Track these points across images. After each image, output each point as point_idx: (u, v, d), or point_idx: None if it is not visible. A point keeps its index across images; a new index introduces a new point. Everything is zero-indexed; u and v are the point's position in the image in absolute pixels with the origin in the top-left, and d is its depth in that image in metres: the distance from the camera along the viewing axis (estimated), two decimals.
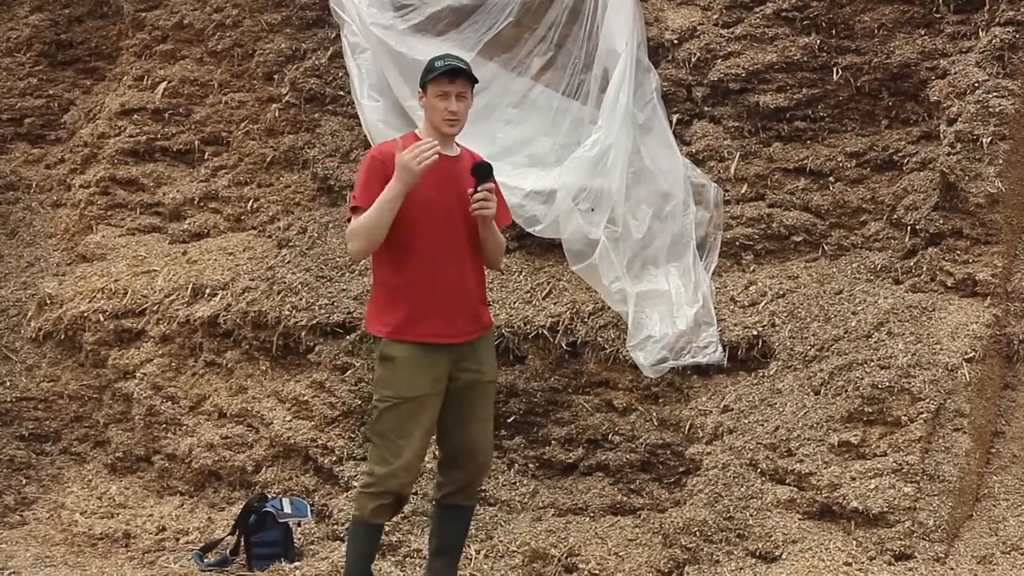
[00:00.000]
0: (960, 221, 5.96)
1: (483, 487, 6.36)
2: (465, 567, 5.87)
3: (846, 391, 5.68)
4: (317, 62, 7.51)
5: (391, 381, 5.11)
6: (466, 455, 5.29)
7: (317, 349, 6.84)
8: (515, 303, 6.63)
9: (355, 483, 6.17)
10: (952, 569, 5.17)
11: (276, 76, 7.66)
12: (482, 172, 5.14)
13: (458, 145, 5.31)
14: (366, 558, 5.26)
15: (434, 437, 5.38)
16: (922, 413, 5.49)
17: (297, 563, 6.18)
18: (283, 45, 7.63)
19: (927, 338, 5.73)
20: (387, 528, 6.11)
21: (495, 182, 5.25)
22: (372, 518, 5.18)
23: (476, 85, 5.31)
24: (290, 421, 6.84)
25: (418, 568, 5.93)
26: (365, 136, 7.11)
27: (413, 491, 6.15)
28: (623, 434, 6.33)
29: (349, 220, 5.17)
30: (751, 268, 6.50)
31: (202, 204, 7.89)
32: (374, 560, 5.42)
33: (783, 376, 5.99)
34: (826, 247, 6.43)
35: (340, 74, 7.38)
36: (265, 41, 7.69)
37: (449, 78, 5.14)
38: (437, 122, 5.18)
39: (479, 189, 5.10)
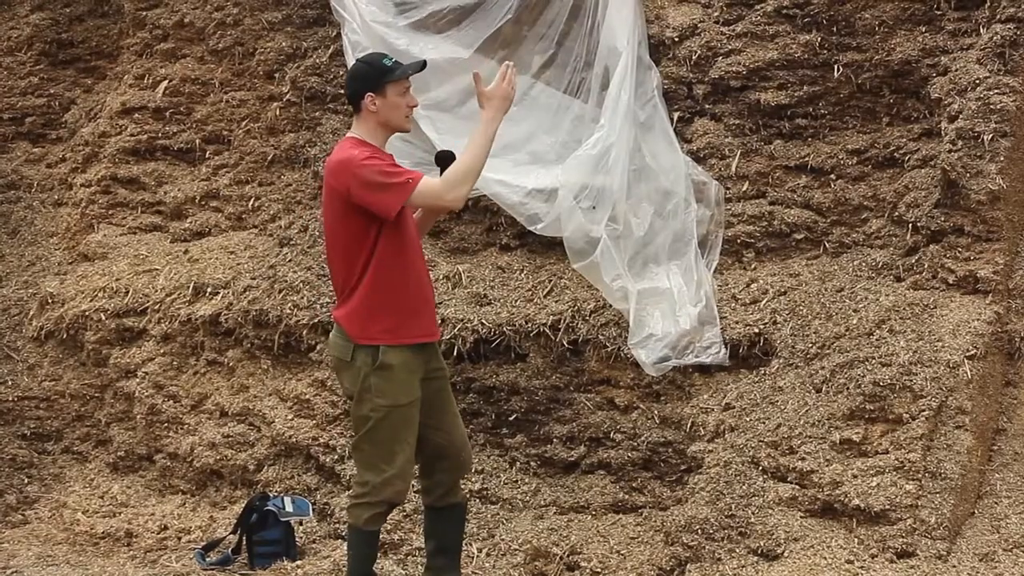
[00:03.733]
0: (961, 218, 5.96)
1: (485, 485, 6.38)
2: (467, 565, 5.88)
3: (848, 389, 5.68)
4: (318, 60, 7.51)
5: (387, 389, 5.05)
6: (446, 455, 5.27)
7: (319, 348, 6.84)
8: (516, 301, 6.63)
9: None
10: (954, 567, 5.18)
11: (277, 75, 7.66)
12: (446, 162, 5.13)
13: None
14: (368, 560, 5.26)
15: None
16: (924, 410, 5.49)
17: (299, 562, 6.19)
18: (284, 44, 7.62)
19: (929, 335, 5.73)
20: (388, 527, 6.12)
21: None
22: (367, 526, 5.17)
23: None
24: (292, 420, 6.84)
25: (420, 566, 5.93)
26: None
27: (413, 488, 6.16)
28: (625, 432, 6.33)
29: (406, 185, 4.92)
30: (752, 266, 6.50)
31: (203, 203, 7.89)
32: (376, 560, 5.42)
33: (785, 374, 5.99)
34: (827, 244, 6.43)
35: (341, 72, 7.37)
36: (266, 40, 7.69)
37: (407, 75, 5.16)
38: (399, 121, 5.14)
39: None
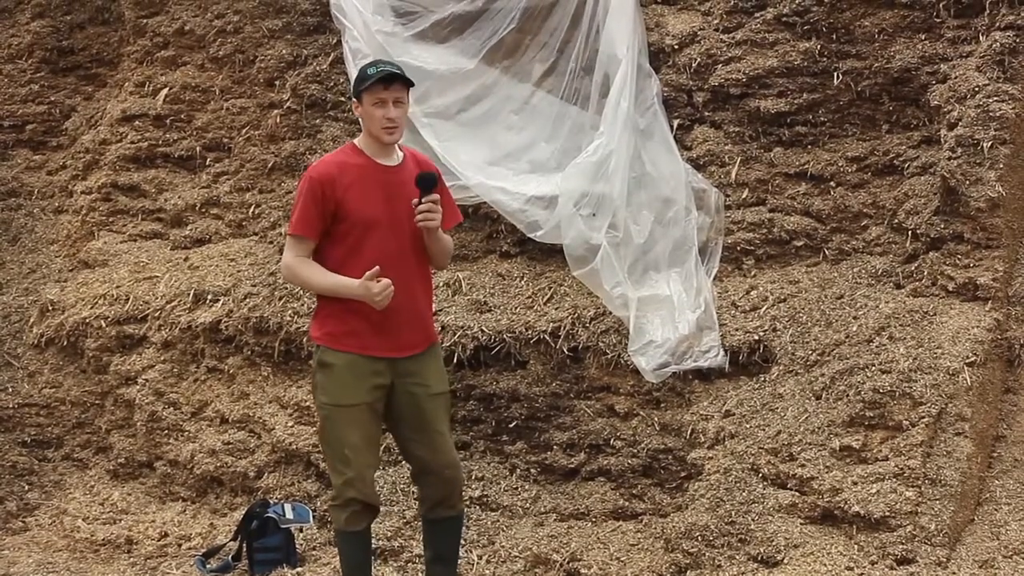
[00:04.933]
0: (961, 225, 5.96)
1: (485, 492, 6.38)
2: (467, 572, 5.88)
3: (847, 395, 5.68)
4: (318, 68, 7.52)
5: (328, 388, 5.05)
6: (431, 471, 5.20)
7: None
8: (516, 308, 6.64)
9: None
10: (954, 573, 5.17)
11: (277, 82, 7.67)
12: (426, 184, 5.05)
13: (401, 149, 5.21)
14: (361, 564, 5.24)
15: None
16: (923, 417, 5.49)
17: (299, 569, 6.19)
18: (284, 51, 7.63)
19: (928, 342, 5.73)
20: (388, 534, 6.13)
21: (443, 183, 5.23)
22: (348, 527, 5.14)
23: (412, 88, 5.20)
24: (292, 427, 6.84)
25: (419, 573, 5.93)
26: None
27: (414, 496, 6.15)
28: (625, 439, 6.33)
29: (290, 236, 5.07)
30: (752, 273, 6.51)
31: (204, 210, 7.90)
32: (371, 565, 5.41)
33: (784, 381, 5.99)
34: (827, 252, 6.44)
35: (341, 80, 7.39)
36: (266, 47, 7.70)
37: (384, 84, 5.02)
38: (376, 131, 5.05)
39: (423, 201, 5.02)
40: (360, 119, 5.18)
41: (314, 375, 5.16)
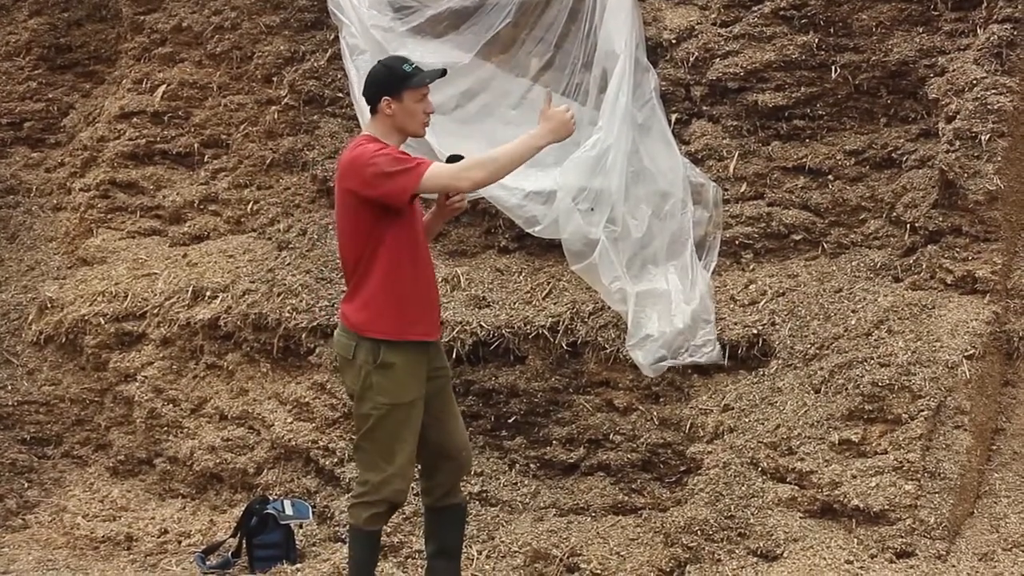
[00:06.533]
0: (959, 218, 5.96)
1: (484, 488, 6.38)
2: (467, 568, 5.88)
3: (846, 389, 5.68)
4: (316, 64, 7.51)
5: (388, 387, 5.08)
6: (448, 455, 5.29)
7: (318, 351, 6.84)
8: (515, 303, 6.64)
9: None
10: (953, 566, 5.18)
11: (275, 78, 7.66)
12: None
13: None
14: (368, 562, 5.27)
15: None
16: (923, 411, 5.49)
17: (299, 565, 6.19)
18: (282, 47, 7.63)
19: (927, 336, 5.73)
20: (388, 529, 6.12)
21: None
22: (367, 526, 5.19)
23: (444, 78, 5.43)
24: (291, 423, 6.84)
25: (420, 569, 5.93)
26: None
27: (414, 491, 6.16)
28: (624, 434, 6.33)
29: (416, 168, 4.96)
30: (751, 267, 6.50)
31: (202, 207, 7.90)
32: (377, 563, 5.42)
33: (783, 375, 5.99)
34: (826, 245, 6.43)
35: (339, 76, 7.38)
36: (264, 43, 7.70)
37: (425, 83, 5.20)
38: (415, 127, 5.19)
39: None
40: (389, 115, 5.14)
41: (367, 376, 5.10)
